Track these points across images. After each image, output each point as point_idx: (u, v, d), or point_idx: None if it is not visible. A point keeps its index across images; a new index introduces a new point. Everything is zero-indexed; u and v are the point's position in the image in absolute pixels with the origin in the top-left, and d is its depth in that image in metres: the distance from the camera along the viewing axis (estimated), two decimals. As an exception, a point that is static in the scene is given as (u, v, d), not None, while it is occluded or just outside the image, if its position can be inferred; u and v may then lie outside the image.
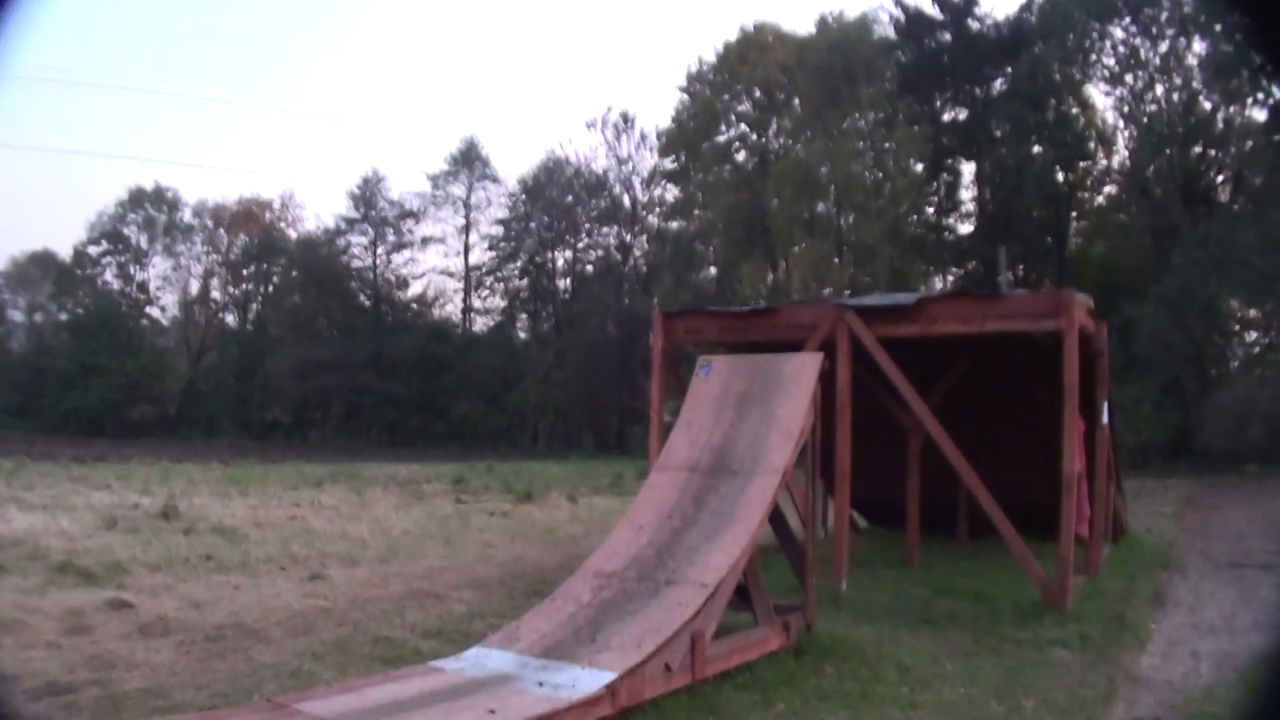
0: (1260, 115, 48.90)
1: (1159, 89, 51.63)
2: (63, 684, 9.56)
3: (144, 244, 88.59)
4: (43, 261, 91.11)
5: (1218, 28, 46.89)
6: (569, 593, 10.10)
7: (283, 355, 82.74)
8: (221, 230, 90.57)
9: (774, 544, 12.56)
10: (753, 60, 69.29)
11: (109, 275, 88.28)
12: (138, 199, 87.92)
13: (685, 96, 73.88)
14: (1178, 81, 50.63)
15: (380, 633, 11.81)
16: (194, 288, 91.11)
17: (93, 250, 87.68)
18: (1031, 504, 15.30)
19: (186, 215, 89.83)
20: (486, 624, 11.91)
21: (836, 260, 59.02)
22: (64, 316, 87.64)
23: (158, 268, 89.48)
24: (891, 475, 18.36)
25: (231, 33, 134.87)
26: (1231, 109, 49.64)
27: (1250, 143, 49.19)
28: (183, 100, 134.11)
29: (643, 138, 79.39)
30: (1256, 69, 46.87)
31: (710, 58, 73.05)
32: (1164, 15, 50.18)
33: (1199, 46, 49.87)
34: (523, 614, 10.18)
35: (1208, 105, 50.37)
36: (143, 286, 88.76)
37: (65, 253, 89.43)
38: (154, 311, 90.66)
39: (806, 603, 11.66)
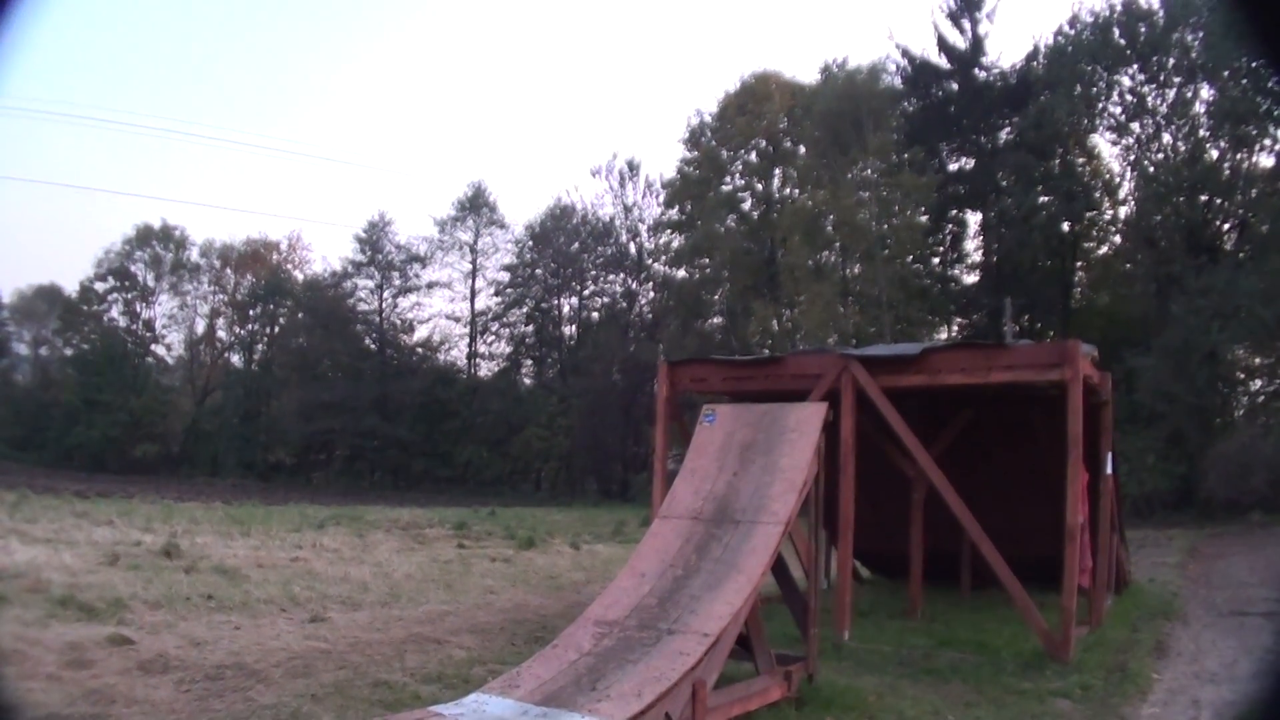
0: (1268, 161, 49.06)
1: (1165, 137, 51.61)
2: (62, 717, 9.62)
3: (150, 282, 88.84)
4: (49, 295, 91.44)
5: (1226, 74, 47.04)
6: (570, 640, 10.09)
7: (287, 397, 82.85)
8: (228, 270, 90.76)
9: (776, 594, 12.55)
10: (755, 110, 69.38)
11: (115, 312, 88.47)
12: (145, 237, 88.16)
13: (689, 147, 74.01)
14: (1184, 130, 50.67)
15: (380, 677, 11.79)
16: (200, 327, 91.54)
17: (99, 286, 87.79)
18: (1035, 555, 15.28)
19: (194, 254, 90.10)
20: (487, 670, 11.92)
21: (842, 309, 58.99)
22: (69, 351, 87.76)
23: (164, 306, 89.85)
24: (895, 525, 18.32)
25: (241, 73, 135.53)
26: (1239, 155, 49.64)
27: (1255, 190, 49.24)
28: (192, 139, 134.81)
29: (648, 185, 79.60)
30: (1264, 113, 47.07)
31: (712, 107, 73.21)
32: (1171, 62, 50.26)
33: (1206, 93, 50.00)
34: (523, 661, 10.18)
35: (1214, 153, 50.34)
36: (148, 324, 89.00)
37: (71, 288, 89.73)
38: (159, 350, 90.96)
39: (808, 653, 11.66)
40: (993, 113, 57.92)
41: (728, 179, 71.77)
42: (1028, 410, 17.57)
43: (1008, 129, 58.28)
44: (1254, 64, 45.33)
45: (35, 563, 18.34)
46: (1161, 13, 50.25)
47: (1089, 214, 58.07)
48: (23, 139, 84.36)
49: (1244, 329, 43.31)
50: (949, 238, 62.34)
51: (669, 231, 77.24)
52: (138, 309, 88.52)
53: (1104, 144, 56.89)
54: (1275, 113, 47.31)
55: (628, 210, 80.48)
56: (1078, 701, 11.82)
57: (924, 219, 57.82)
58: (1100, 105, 53.50)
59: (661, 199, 77.63)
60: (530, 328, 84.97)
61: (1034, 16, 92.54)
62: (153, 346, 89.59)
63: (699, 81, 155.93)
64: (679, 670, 9.06)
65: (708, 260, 69.97)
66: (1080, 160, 57.94)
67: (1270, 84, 46.17)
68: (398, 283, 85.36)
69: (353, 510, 41.56)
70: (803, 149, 66.17)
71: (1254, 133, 48.10)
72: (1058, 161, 56.37)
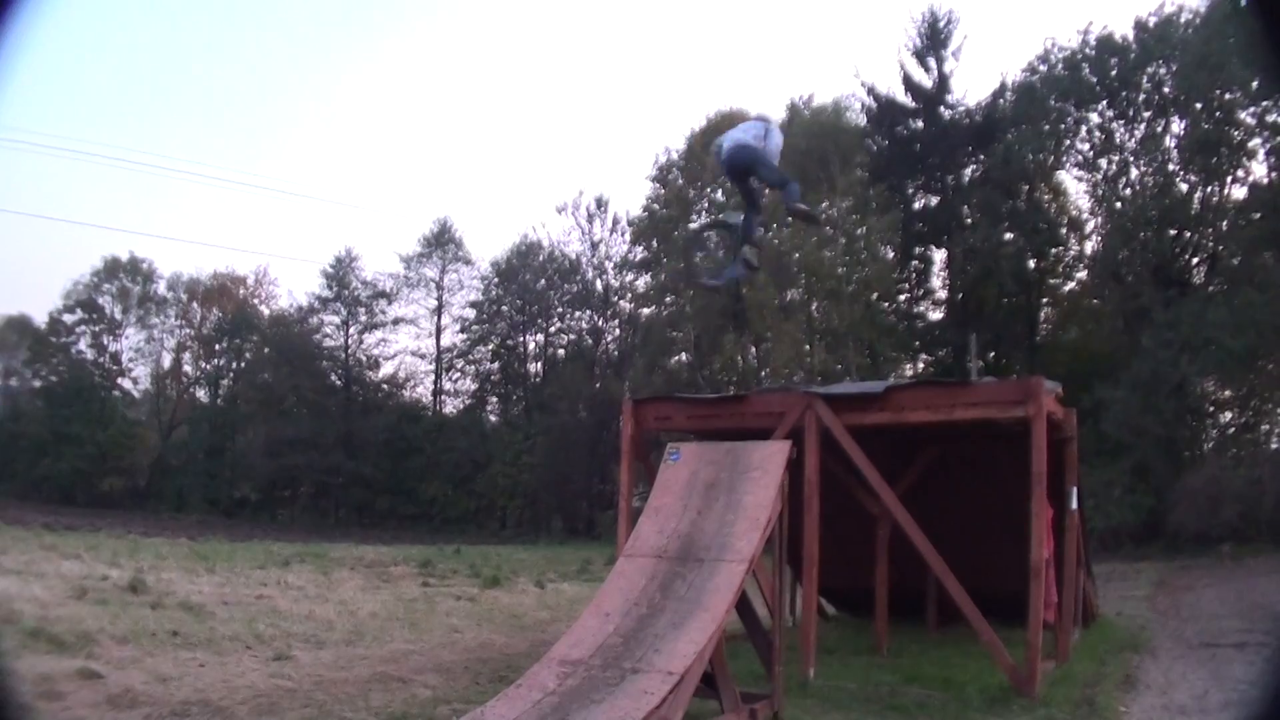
0: (1240, 193, 49.32)
1: (1134, 172, 51.79)
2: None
3: (118, 315, 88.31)
4: (19, 326, 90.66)
5: (1199, 105, 47.31)
6: (534, 680, 10.09)
7: (253, 432, 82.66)
8: (195, 304, 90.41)
9: (741, 632, 12.57)
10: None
11: (83, 344, 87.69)
12: (113, 269, 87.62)
13: (655, 186, 73.94)
14: (1154, 164, 50.81)
15: (345, 715, 11.80)
16: (166, 361, 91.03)
17: (67, 318, 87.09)
18: (1001, 590, 15.33)
19: (161, 287, 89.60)
20: (451, 709, 11.90)
21: (808, 347, 58.97)
22: (38, 383, 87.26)
23: (131, 339, 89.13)
24: (860, 562, 18.37)
25: (210, 108, 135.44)
26: (1209, 188, 49.88)
27: (1226, 222, 49.50)
28: (160, 173, 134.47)
29: (615, 222, 79.46)
30: (1237, 145, 47.41)
31: (679, 145, 73.08)
32: (1141, 98, 50.48)
33: (1177, 127, 50.20)
34: (488, 700, 10.17)
35: (1184, 186, 50.54)
36: (115, 357, 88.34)
37: (41, 318, 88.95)
38: (126, 383, 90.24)
39: (773, 691, 11.70)
40: (959, 150, 58.14)
41: (695, 217, 71.70)
42: (992, 447, 17.62)
43: (973, 166, 58.52)
44: (1228, 95, 45.81)
45: (7, 594, 18.29)
46: (1135, 47, 50.49)
47: (1055, 250, 58.33)
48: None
49: (1213, 361, 43.44)
50: (914, 274, 62.55)
51: (636, 270, 77.33)
52: (105, 342, 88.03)
53: (1071, 180, 57.20)
54: (1249, 144, 47.67)
55: (594, 247, 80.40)
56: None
57: (889, 256, 57.97)
58: (1067, 142, 53.75)
59: (628, 236, 77.63)
60: (496, 364, 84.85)
61: (1000, 55, 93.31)
62: (119, 380, 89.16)
63: (668, 118, 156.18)
64: (644, 709, 9.07)
65: (674, 298, 69.90)
66: (1046, 197, 58.22)
67: (1244, 114, 46.62)
68: (364, 319, 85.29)
69: (318, 547, 41.35)
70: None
71: (1226, 165, 48.38)
72: (1024, 198, 56.57)
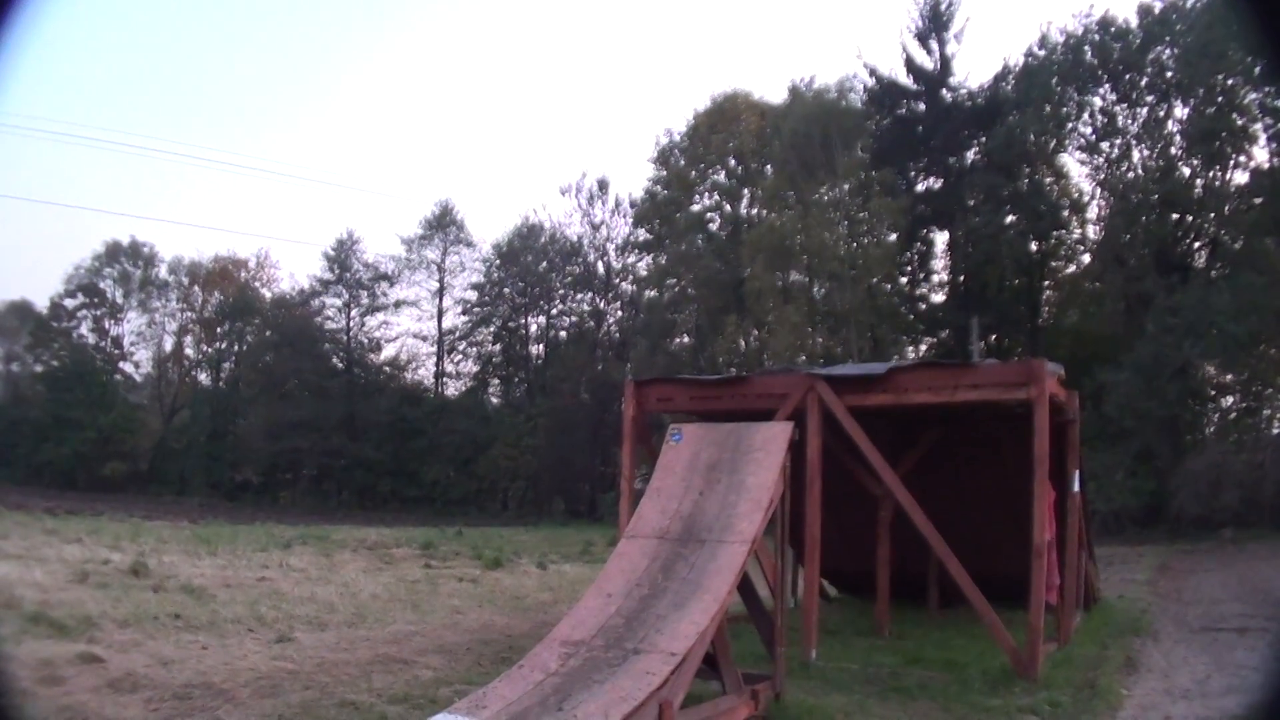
0: (1242, 178, 49.35)
1: (1136, 155, 51.78)
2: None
3: (119, 299, 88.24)
4: (20, 311, 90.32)
5: (1201, 91, 47.22)
6: (536, 661, 10.04)
7: (255, 415, 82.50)
8: (196, 287, 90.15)
9: (743, 613, 12.54)
10: (724, 130, 69.14)
11: (84, 329, 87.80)
12: (114, 253, 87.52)
13: (657, 168, 73.82)
14: (1156, 148, 50.77)
15: (347, 697, 11.74)
16: (168, 344, 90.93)
17: (69, 303, 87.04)
18: (1003, 572, 15.28)
19: (162, 271, 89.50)
20: (453, 690, 11.86)
21: (810, 329, 58.77)
22: (39, 368, 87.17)
23: (132, 323, 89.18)
24: (862, 544, 18.31)
25: (212, 91, 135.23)
26: (1211, 173, 49.81)
27: (1228, 207, 49.41)
28: (162, 156, 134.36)
29: (617, 204, 79.34)
30: (1239, 130, 47.30)
31: (681, 127, 72.92)
32: (1144, 81, 50.36)
33: (1180, 111, 50.15)
34: (490, 681, 10.11)
35: (1186, 171, 50.53)
36: (117, 341, 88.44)
37: (43, 303, 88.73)
38: (127, 367, 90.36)
39: (775, 672, 11.65)
40: (961, 133, 57.96)
41: (697, 199, 71.53)
42: (995, 429, 17.58)
43: (975, 149, 58.35)
44: (1230, 80, 45.74)
45: (8, 579, 18.25)
46: (1140, 32, 50.37)
47: (1057, 233, 58.20)
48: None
49: (1215, 345, 43.36)
50: (917, 257, 62.39)
51: (638, 252, 77.27)
52: (106, 326, 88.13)
53: (1073, 163, 57.08)
54: (1251, 129, 47.56)
55: (596, 229, 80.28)
56: (1046, 718, 11.82)
57: (892, 239, 57.79)
58: (1070, 125, 53.63)
59: (630, 218, 77.58)
60: (497, 347, 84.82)
61: (1004, 37, 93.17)
62: (121, 364, 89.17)
63: (670, 100, 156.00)
64: (645, 690, 9.03)
65: (676, 280, 69.75)
66: (1049, 180, 58.05)
67: (1246, 99, 46.52)
68: (365, 301, 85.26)
69: (319, 530, 41.25)
70: (769, 169, 65.95)
71: (1228, 150, 48.28)
72: (1026, 181, 56.42)
